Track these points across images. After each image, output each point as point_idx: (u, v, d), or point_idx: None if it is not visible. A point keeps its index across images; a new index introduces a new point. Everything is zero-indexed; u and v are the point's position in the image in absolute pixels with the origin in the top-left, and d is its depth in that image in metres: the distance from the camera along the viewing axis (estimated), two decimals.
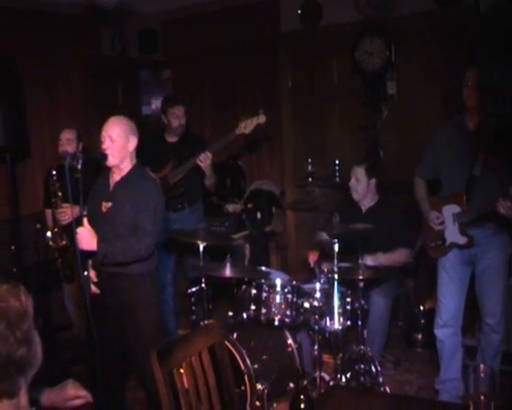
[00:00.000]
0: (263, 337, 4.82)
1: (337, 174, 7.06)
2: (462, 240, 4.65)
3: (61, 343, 6.13)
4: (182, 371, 2.83)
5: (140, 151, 4.47)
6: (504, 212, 4.22)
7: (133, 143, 4.32)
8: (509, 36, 3.87)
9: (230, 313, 5.13)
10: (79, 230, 4.02)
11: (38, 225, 5.95)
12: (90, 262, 4.31)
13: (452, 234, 4.70)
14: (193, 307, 5.47)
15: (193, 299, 5.44)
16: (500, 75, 3.92)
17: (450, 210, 4.70)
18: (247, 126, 5.74)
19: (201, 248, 5.02)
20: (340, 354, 4.73)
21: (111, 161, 4.25)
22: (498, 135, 4.43)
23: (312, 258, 5.52)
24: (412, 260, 5.48)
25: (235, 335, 4.65)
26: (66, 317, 6.33)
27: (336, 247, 4.54)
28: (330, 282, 4.63)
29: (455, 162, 4.65)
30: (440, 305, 4.87)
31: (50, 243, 5.78)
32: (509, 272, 4.79)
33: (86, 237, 4.03)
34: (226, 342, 4.11)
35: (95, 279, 4.30)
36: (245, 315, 4.86)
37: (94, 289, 4.30)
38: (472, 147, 4.52)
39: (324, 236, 5.38)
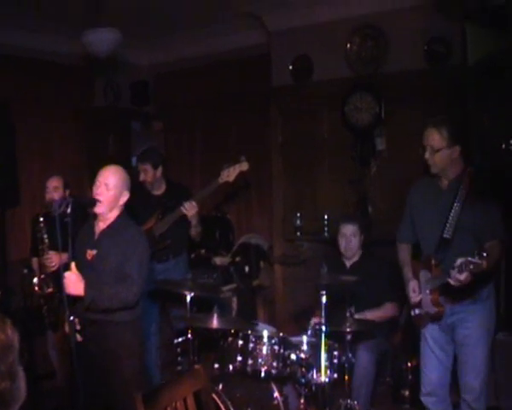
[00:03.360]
0: (249, 389, 4.77)
1: (326, 229, 7.05)
2: (432, 309, 4.35)
3: (44, 392, 6.05)
4: None
5: (127, 203, 4.47)
6: (455, 284, 3.95)
7: (125, 197, 4.34)
8: (498, 88, 3.93)
9: (216, 365, 5.07)
10: (67, 274, 3.99)
11: (25, 271, 5.94)
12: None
13: (426, 303, 4.40)
14: (179, 358, 5.42)
15: (179, 350, 5.39)
16: (490, 127, 3.95)
17: (424, 276, 4.41)
18: (229, 174, 5.75)
19: (188, 298, 4.97)
20: (327, 408, 4.68)
21: (100, 208, 4.24)
22: (483, 187, 4.32)
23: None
24: (399, 313, 5.45)
25: (220, 386, 4.60)
26: (49, 365, 6.26)
27: (324, 298, 4.52)
28: (317, 334, 4.60)
29: (427, 223, 4.43)
30: (423, 375, 4.62)
31: (36, 288, 5.75)
32: (495, 328, 4.51)
33: (74, 282, 3.99)
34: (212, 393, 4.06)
35: (77, 326, 4.25)
36: (231, 367, 4.81)
37: (77, 337, 4.25)
38: (444, 207, 4.26)
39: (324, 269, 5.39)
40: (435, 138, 4.21)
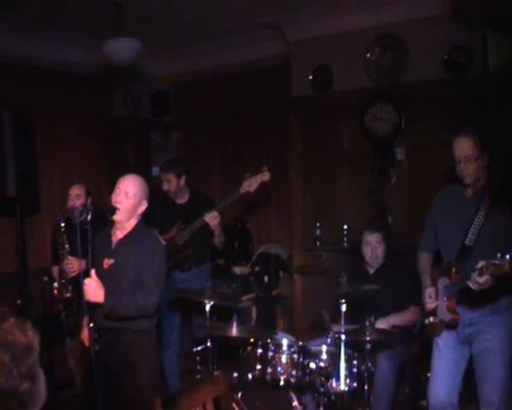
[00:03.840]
0: (268, 398, 4.76)
1: (345, 239, 7.03)
2: (447, 317, 4.29)
3: (63, 400, 6.06)
4: None
5: (149, 212, 4.48)
6: (474, 287, 3.90)
7: (144, 207, 4.35)
8: None
9: (235, 374, 5.06)
10: (87, 281, 4.00)
11: (46, 278, 5.97)
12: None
13: (441, 310, 4.36)
14: (198, 367, 5.41)
15: (198, 358, 5.39)
16: (509, 135, 3.92)
17: (442, 283, 4.38)
18: (251, 184, 5.73)
19: (208, 307, 4.97)
20: None
21: (118, 216, 4.25)
22: (503, 197, 4.28)
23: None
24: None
25: (239, 394, 4.60)
26: (68, 374, 6.27)
27: (344, 307, 4.51)
28: (337, 343, 4.59)
29: (450, 231, 4.40)
30: (431, 388, 4.50)
31: (55, 292, 5.79)
32: None
33: (93, 289, 4.01)
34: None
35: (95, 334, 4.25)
36: (250, 375, 4.80)
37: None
38: (468, 215, 4.24)
39: (327, 316, 5.39)
40: (470, 148, 4.18)
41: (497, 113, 4.43)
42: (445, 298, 4.31)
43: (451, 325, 4.30)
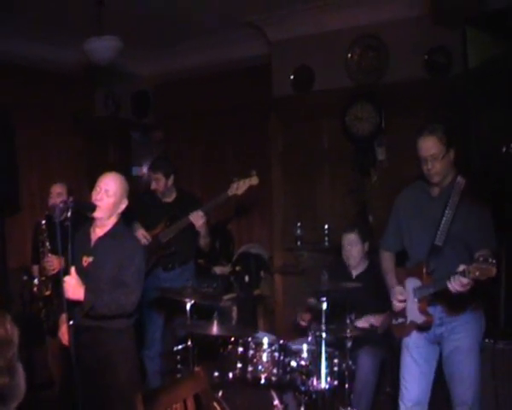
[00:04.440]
0: (249, 397, 4.76)
1: (326, 239, 7.03)
2: (420, 319, 4.19)
3: (42, 401, 6.02)
4: None
5: (133, 208, 4.48)
6: (455, 290, 3.78)
7: (124, 205, 4.33)
8: (497, 92, 3.91)
9: (216, 373, 5.05)
10: (67, 278, 3.97)
11: (25, 277, 5.94)
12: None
13: (412, 312, 4.25)
14: (178, 366, 5.40)
15: (179, 357, 5.38)
16: (490, 131, 3.92)
17: (411, 284, 4.24)
18: (239, 188, 5.74)
19: (189, 306, 4.96)
20: None
21: (99, 213, 4.22)
22: (476, 195, 4.19)
23: (304, 318, 5.49)
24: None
25: (220, 393, 4.59)
26: (48, 374, 6.23)
27: (324, 305, 4.51)
28: (318, 341, 4.59)
29: (417, 231, 4.31)
30: (403, 390, 4.41)
31: (35, 289, 5.77)
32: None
33: (73, 286, 3.97)
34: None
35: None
36: (231, 374, 4.80)
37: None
38: (435, 214, 4.16)
39: (313, 302, 5.37)
40: (435, 146, 4.11)
41: (477, 109, 4.43)
42: (415, 299, 4.19)
43: (425, 327, 4.23)
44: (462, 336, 4.17)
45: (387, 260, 4.61)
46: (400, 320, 4.36)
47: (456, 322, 4.18)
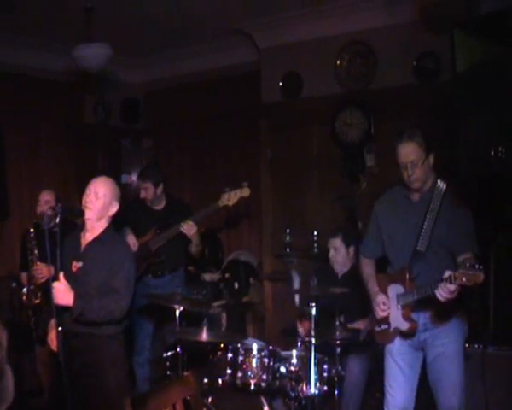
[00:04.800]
0: (238, 403, 4.76)
1: (315, 245, 7.02)
2: (405, 325, 4.14)
3: (32, 409, 6.01)
4: None
5: (123, 215, 4.48)
6: (443, 298, 3.74)
7: (114, 208, 4.33)
8: (485, 96, 3.92)
9: (206, 380, 5.04)
10: (55, 284, 3.97)
11: (14, 284, 5.92)
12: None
13: (396, 318, 4.20)
14: (168, 372, 5.39)
15: (168, 364, 5.37)
16: (479, 135, 3.92)
17: (394, 290, 4.21)
18: (230, 199, 5.76)
19: (178, 312, 4.96)
20: None
21: (89, 214, 4.23)
22: (457, 199, 4.13)
23: (303, 326, 5.44)
24: None
25: (210, 399, 4.59)
26: (37, 382, 6.21)
27: (314, 310, 4.52)
28: (307, 347, 4.60)
29: (399, 237, 4.26)
30: (388, 396, 4.35)
31: (24, 298, 5.75)
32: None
33: (62, 292, 3.97)
34: None
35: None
36: (220, 380, 4.81)
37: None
38: (416, 219, 4.13)
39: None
40: (414, 152, 4.05)
41: (466, 113, 4.43)
42: (399, 306, 4.16)
43: (410, 334, 4.19)
44: (446, 341, 4.13)
45: (368, 266, 4.55)
46: (383, 327, 4.32)
47: (439, 328, 4.15)
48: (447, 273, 3.68)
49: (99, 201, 4.23)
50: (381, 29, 6.64)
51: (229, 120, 8.30)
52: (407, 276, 4.11)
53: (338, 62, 6.94)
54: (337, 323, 4.75)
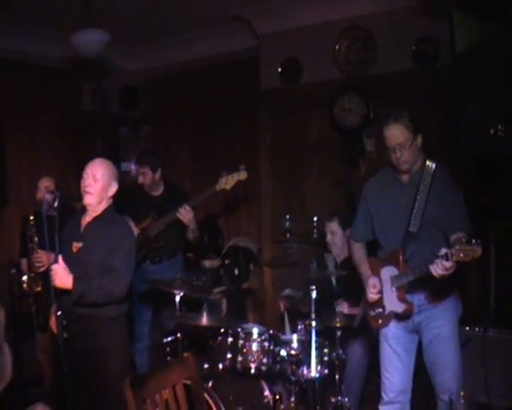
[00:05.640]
0: (239, 387, 4.74)
1: (315, 231, 7.00)
2: (400, 307, 4.13)
3: (32, 397, 5.98)
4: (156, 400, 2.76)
5: (121, 202, 4.46)
6: (438, 275, 3.72)
7: (114, 188, 4.32)
8: (484, 76, 3.90)
9: (206, 365, 5.03)
10: (54, 266, 3.96)
11: (14, 271, 5.90)
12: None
13: (391, 301, 4.18)
14: (168, 358, 5.38)
15: (168, 350, 5.37)
16: (477, 114, 3.90)
17: (387, 273, 4.19)
18: (227, 182, 5.75)
19: (178, 297, 4.96)
20: (318, 406, 4.65)
21: (88, 199, 4.22)
22: (449, 179, 4.11)
23: (283, 304, 5.51)
24: None
25: (210, 383, 4.57)
26: (37, 370, 6.20)
27: (314, 293, 4.50)
28: (307, 331, 4.59)
29: (390, 219, 4.24)
30: (385, 380, 4.34)
31: (25, 286, 5.73)
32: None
33: (61, 275, 3.96)
34: None
35: (63, 322, 4.19)
36: (221, 365, 4.79)
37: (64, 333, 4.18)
38: (407, 201, 4.11)
39: (287, 292, 5.39)
40: (402, 134, 4.03)
41: (465, 93, 4.41)
42: (393, 288, 4.15)
43: (405, 316, 4.17)
44: (442, 323, 4.12)
45: (359, 250, 4.55)
46: (378, 311, 4.29)
47: (434, 309, 4.13)
48: (443, 251, 3.67)
49: (98, 183, 4.22)
50: (379, 14, 6.63)
51: (228, 107, 8.28)
52: (400, 257, 4.10)
53: (337, 48, 6.93)
54: (336, 308, 4.73)
